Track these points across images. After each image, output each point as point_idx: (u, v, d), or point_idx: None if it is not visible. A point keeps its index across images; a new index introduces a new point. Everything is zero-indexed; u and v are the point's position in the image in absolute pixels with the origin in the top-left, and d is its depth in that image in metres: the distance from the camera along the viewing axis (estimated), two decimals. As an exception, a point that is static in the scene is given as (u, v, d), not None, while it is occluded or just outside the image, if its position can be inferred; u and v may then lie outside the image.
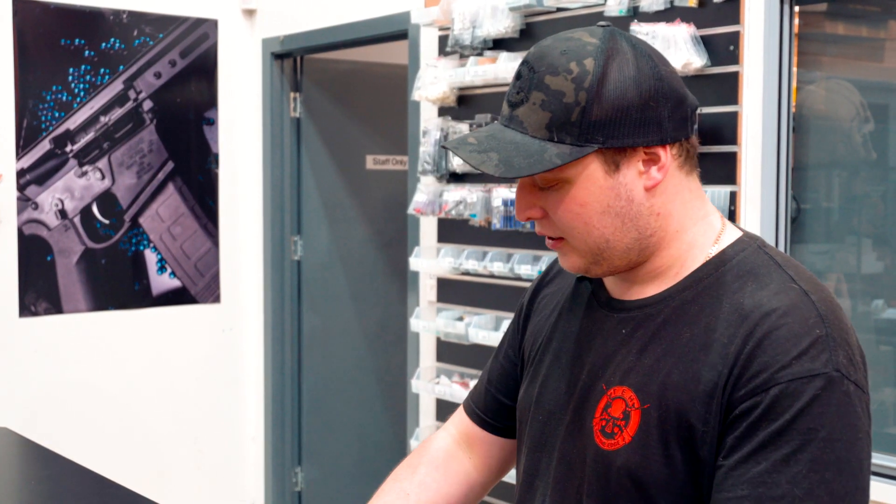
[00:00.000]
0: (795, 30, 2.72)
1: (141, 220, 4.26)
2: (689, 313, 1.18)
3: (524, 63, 1.20)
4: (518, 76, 1.20)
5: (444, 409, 3.62)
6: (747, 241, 1.23)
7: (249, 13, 4.52)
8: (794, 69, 2.73)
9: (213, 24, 4.42)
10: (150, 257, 4.28)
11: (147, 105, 4.25)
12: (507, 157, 1.15)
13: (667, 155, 1.18)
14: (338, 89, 4.66)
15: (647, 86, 1.16)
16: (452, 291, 3.57)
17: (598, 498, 1.20)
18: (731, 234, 1.24)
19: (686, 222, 1.23)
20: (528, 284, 3.24)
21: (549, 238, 1.25)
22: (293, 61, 4.51)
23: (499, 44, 3.32)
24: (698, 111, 1.23)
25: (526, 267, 3.15)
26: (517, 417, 1.40)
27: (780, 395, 1.08)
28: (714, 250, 1.22)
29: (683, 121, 1.19)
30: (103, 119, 4.15)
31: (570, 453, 1.26)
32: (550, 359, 1.33)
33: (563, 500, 1.26)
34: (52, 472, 2.19)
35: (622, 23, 2.92)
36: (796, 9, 2.71)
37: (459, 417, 1.52)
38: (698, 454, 1.13)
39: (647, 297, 1.24)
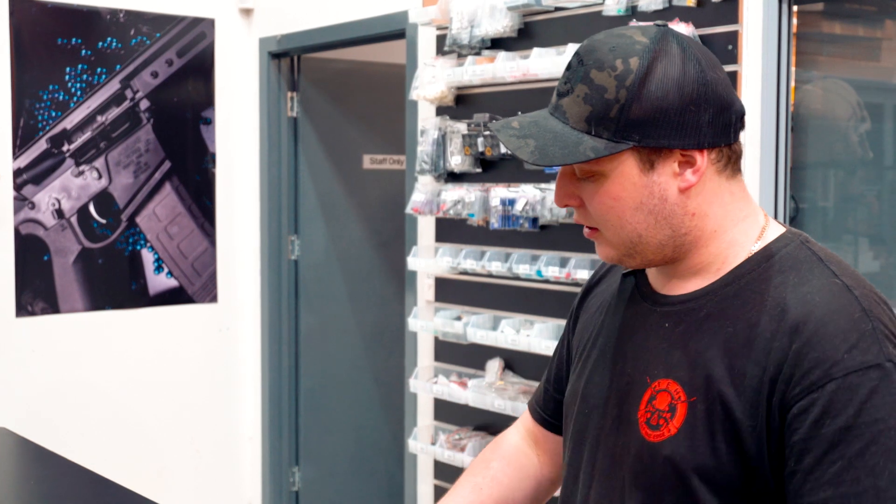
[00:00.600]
0: (794, 29, 2.72)
1: (138, 220, 4.25)
2: (731, 308, 1.20)
3: (575, 55, 1.23)
4: (568, 67, 1.23)
5: (443, 409, 3.61)
6: (791, 236, 1.24)
7: (246, 12, 4.52)
8: (793, 69, 2.73)
9: (210, 23, 4.42)
10: (147, 257, 4.28)
11: (144, 104, 4.25)
12: (544, 145, 1.18)
13: (703, 159, 1.19)
14: (335, 89, 4.66)
15: (690, 89, 1.17)
16: (450, 291, 3.57)
17: (643, 489, 1.22)
18: (774, 231, 1.26)
19: (725, 223, 1.24)
20: (526, 284, 3.25)
21: (586, 227, 1.28)
22: (290, 61, 4.50)
23: (497, 43, 3.32)
24: (744, 117, 1.24)
25: (524, 266, 3.15)
26: (563, 412, 1.43)
27: (837, 390, 1.09)
28: (756, 247, 1.23)
29: (726, 127, 1.20)
30: (100, 118, 4.15)
31: (614, 446, 1.28)
32: (596, 354, 1.36)
33: (607, 491, 1.28)
34: (51, 472, 2.18)
35: (621, 22, 2.92)
36: (794, 8, 2.71)
37: (525, 417, 1.58)
38: (744, 448, 1.15)
39: (690, 293, 1.25)
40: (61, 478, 2.15)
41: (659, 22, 1.26)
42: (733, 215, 1.24)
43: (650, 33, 1.21)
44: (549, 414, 1.52)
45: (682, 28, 2.74)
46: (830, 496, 1.09)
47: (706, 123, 1.18)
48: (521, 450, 1.54)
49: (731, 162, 1.24)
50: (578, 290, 3.08)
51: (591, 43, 1.23)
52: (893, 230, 2.77)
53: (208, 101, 4.41)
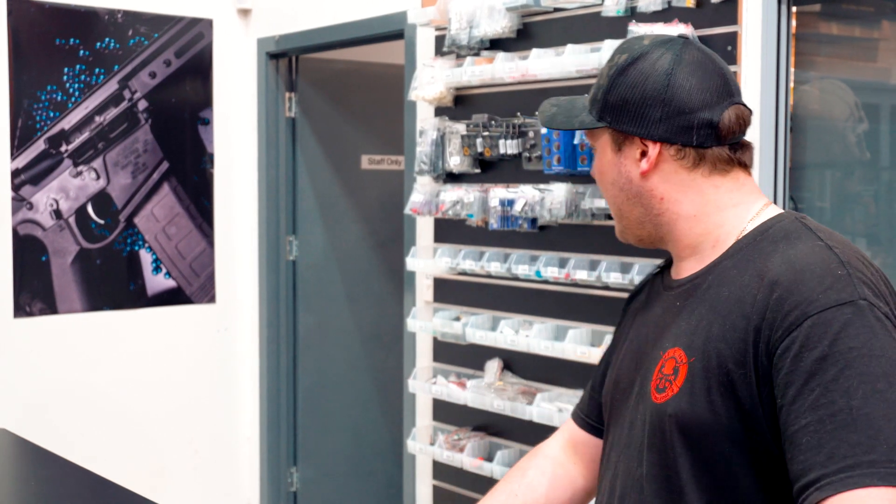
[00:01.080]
0: (793, 30, 2.72)
1: (136, 221, 4.25)
2: (729, 276, 1.32)
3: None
4: None
5: (441, 410, 3.62)
6: (786, 214, 1.36)
7: (244, 13, 4.52)
8: (792, 69, 2.74)
9: (208, 23, 4.42)
10: (146, 257, 4.28)
11: (142, 105, 4.25)
12: (556, 114, 1.44)
13: (656, 150, 1.36)
14: (333, 89, 4.66)
15: (651, 89, 1.35)
16: (448, 291, 3.57)
17: (655, 450, 1.32)
18: (770, 212, 1.38)
19: (707, 209, 1.37)
20: (525, 284, 3.25)
21: None
22: (288, 61, 4.50)
23: (496, 44, 3.32)
24: (721, 125, 1.35)
25: (524, 267, 3.16)
26: (602, 403, 1.53)
27: (813, 325, 1.17)
28: (751, 226, 1.35)
29: (685, 129, 1.35)
30: (98, 119, 4.14)
31: (634, 417, 1.39)
32: (626, 345, 1.49)
33: (629, 460, 1.38)
34: (52, 472, 2.18)
35: (620, 23, 2.92)
36: (794, 9, 2.72)
37: (567, 426, 1.65)
38: (739, 398, 1.23)
39: (696, 272, 1.38)
40: (63, 479, 2.15)
41: (682, 34, 1.43)
42: (718, 203, 1.37)
43: (659, 39, 1.39)
44: (593, 419, 1.60)
45: (682, 29, 2.74)
46: (809, 421, 1.15)
47: (658, 120, 1.35)
48: (558, 460, 1.62)
49: (707, 162, 1.37)
50: (577, 290, 3.09)
51: (622, 42, 1.45)
52: (890, 230, 2.78)
53: (206, 101, 4.41)
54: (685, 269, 1.40)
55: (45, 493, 2.09)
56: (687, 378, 1.28)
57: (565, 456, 1.61)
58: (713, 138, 1.35)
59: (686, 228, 1.38)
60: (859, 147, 2.88)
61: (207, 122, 4.42)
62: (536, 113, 1.48)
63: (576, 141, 2.90)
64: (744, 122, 1.37)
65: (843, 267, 1.22)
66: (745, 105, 1.38)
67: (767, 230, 1.32)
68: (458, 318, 3.44)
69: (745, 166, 1.39)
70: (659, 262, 2.79)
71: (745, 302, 1.25)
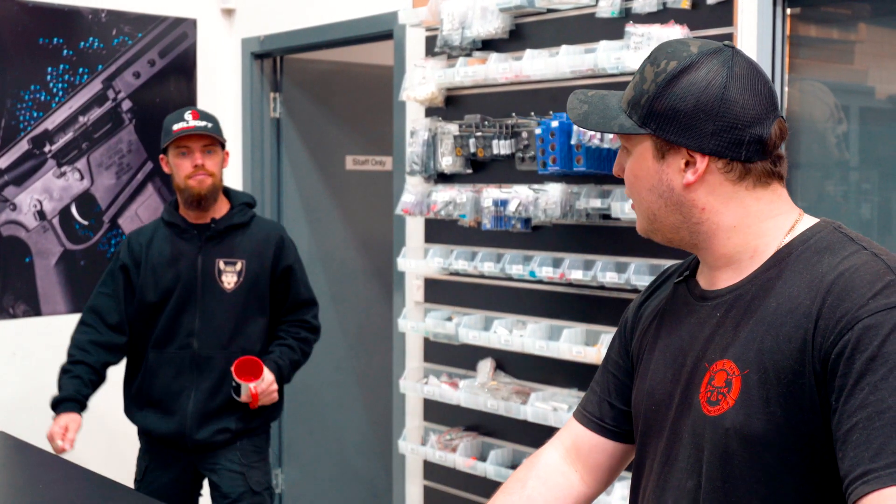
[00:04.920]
0: (787, 32, 2.75)
1: (120, 221, 4.22)
2: (774, 287, 1.32)
3: (655, 48, 1.42)
4: (647, 56, 1.42)
5: (432, 410, 3.62)
6: (824, 224, 1.37)
7: (228, 13, 4.50)
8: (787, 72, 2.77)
9: (191, 23, 4.39)
10: (130, 258, 4.24)
11: (126, 105, 4.21)
12: (590, 113, 1.40)
13: (704, 163, 1.34)
14: (318, 89, 4.65)
15: (705, 101, 1.33)
16: (439, 292, 3.58)
17: (710, 463, 1.32)
18: (808, 222, 1.38)
19: (747, 220, 1.37)
20: (518, 284, 3.26)
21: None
22: (273, 61, 4.49)
23: (488, 45, 3.33)
24: (769, 141, 1.36)
25: (517, 267, 3.16)
26: (633, 413, 1.52)
27: (865, 328, 1.20)
28: (790, 236, 1.36)
29: (735, 144, 1.34)
30: (82, 119, 4.11)
31: (680, 430, 1.38)
32: (656, 355, 1.47)
33: (680, 474, 1.37)
34: (57, 476, 2.16)
35: (615, 24, 2.94)
36: (788, 11, 2.75)
37: (569, 430, 1.63)
38: (799, 409, 1.24)
39: (736, 283, 1.37)
40: (66, 481, 2.13)
41: (727, 42, 1.39)
42: (759, 214, 1.37)
43: (707, 48, 1.36)
44: (607, 420, 1.59)
45: (677, 31, 2.76)
46: (859, 419, 1.17)
47: (710, 133, 1.33)
48: (559, 468, 1.60)
49: (752, 175, 1.36)
50: (572, 290, 3.10)
51: (663, 44, 1.41)
52: (880, 231, 2.81)
53: (190, 101, 4.38)
54: (721, 279, 1.40)
55: (52, 496, 2.07)
56: (742, 390, 1.28)
57: (565, 463, 1.60)
58: (760, 153, 1.35)
59: (724, 239, 1.37)
60: (839, 148, 2.92)
61: (192, 123, 4.38)
62: (568, 110, 1.42)
63: (573, 142, 2.92)
64: (785, 135, 1.38)
65: (892, 272, 1.24)
66: (783, 118, 1.40)
67: (808, 240, 1.34)
68: (449, 319, 3.44)
69: (783, 178, 1.41)
70: (653, 261, 2.82)
71: (798, 312, 1.26)
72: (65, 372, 3.14)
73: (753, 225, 1.36)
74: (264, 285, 3.17)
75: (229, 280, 3.12)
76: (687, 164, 1.35)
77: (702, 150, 1.33)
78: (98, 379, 3.19)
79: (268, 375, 3.08)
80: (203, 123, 3.10)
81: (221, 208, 3.18)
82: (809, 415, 1.24)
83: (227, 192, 3.24)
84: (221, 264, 3.13)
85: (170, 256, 3.14)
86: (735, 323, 1.33)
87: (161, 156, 3.19)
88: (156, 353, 3.15)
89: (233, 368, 3.05)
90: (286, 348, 3.20)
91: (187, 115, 3.11)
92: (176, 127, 3.09)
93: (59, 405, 3.08)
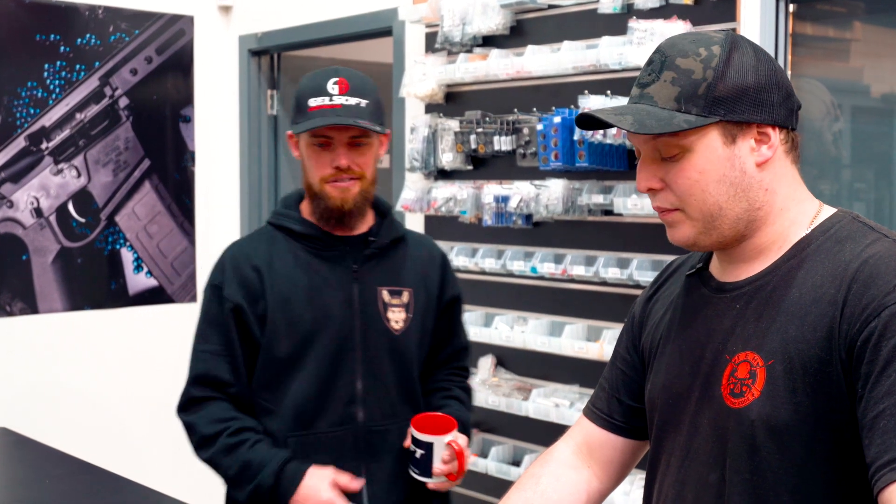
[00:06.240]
0: (790, 29, 2.76)
1: (117, 219, 4.20)
2: (796, 277, 1.31)
3: (656, 51, 1.37)
4: (650, 62, 1.36)
5: (432, 407, 3.61)
6: (842, 214, 1.37)
7: (225, 9, 4.48)
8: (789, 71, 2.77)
9: (189, 20, 4.38)
10: (127, 256, 4.23)
11: (123, 102, 4.20)
12: (641, 119, 1.31)
13: (776, 136, 1.33)
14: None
15: (764, 73, 1.32)
16: (440, 288, 3.57)
17: (736, 455, 1.30)
18: (828, 211, 1.38)
19: (789, 202, 1.36)
20: (520, 280, 3.26)
21: (662, 211, 1.38)
22: (270, 58, 4.48)
23: (488, 41, 3.32)
24: (800, 109, 1.38)
25: (519, 263, 3.16)
26: (647, 408, 1.50)
27: (891, 315, 1.19)
28: (813, 226, 1.35)
29: (790, 112, 1.35)
30: (79, 116, 4.09)
31: (701, 423, 1.36)
32: (671, 348, 1.44)
33: (699, 468, 1.35)
34: (64, 471, 2.15)
35: (617, 20, 2.94)
36: (791, 8, 2.75)
37: (580, 427, 1.62)
38: (826, 398, 1.23)
39: (755, 274, 1.36)
40: (73, 476, 2.13)
41: (728, 30, 1.41)
42: (795, 196, 1.37)
43: (722, 33, 1.36)
44: (616, 417, 1.58)
45: (680, 26, 2.77)
46: (886, 406, 1.16)
47: (778, 104, 1.33)
48: (572, 464, 1.59)
49: (794, 148, 1.37)
50: (574, 286, 3.10)
51: (670, 40, 1.38)
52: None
53: (188, 98, 4.37)
54: (741, 271, 1.38)
55: (60, 490, 2.06)
56: (767, 381, 1.27)
57: (578, 459, 1.59)
58: (797, 122, 1.36)
59: (770, 226, 1.35)
60: (836, 146, 2.92)
61: (189, 120, 4.38)
62: (613, 123, 1.32)
63: (576, 137, 2.92)
64: None
65: None
66: None
67: (828, 230, 1.33)
68: (450, 315, 3.43)
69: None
70: (655, 256, 2.82)
71: (823, 301, 1.26)
72: (227, 450, 2.13)
73: (791, 209, 1.36)
74: (430, 322, 2.27)
75: (397, 318, 2.19)
76: (756, 141, 1.33)
77: (774, 122, 1.32)
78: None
79: (461, 435, 2.16)
80: (355, 101, 2.12)
81: (367, 217, 2.26)
82: (837, 403, 1.23)
83: None
84: (385, 295, 2.20)
85: (308, 286, 2.15)
86: (757, 314, 1.32)
87: (289, 131, 2.24)
88: (299, 437, 2.13)
89: (412, 425, 2.14)
90: (457, 402, 2.28)
91: (331, 86, 2.13)
92: (314, 103, 2.12)
93: (281, 473, 2.08)
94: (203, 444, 2.13)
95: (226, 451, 2.08)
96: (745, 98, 1.31)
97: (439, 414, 2.14)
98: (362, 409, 2.11)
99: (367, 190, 2.17)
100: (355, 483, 2.07)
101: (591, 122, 1.37)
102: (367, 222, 2.23)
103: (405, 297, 2.21)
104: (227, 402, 2.13)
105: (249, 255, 2.17)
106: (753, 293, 1.34)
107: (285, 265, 2.15)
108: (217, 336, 2.15)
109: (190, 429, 2.17)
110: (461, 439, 2.11)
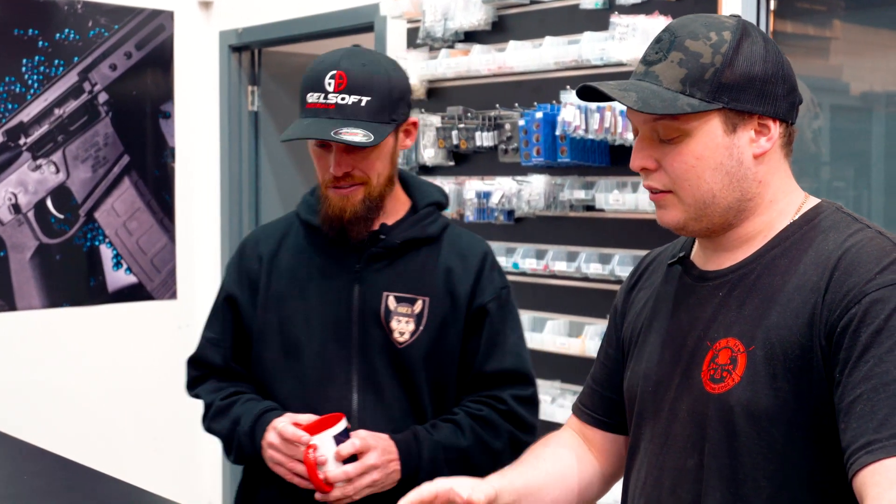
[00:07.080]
0: (771, 27, 2.76)
1: (96, 215, 4.18)
2: (780, 265, 1.31)
3: (666, 30, 1.35)
4: (658, 40, 1.35)
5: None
6: (826, 205, 1.38)
7: (206, 5, 4.46)
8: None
9: (168, 15, 4.36)
10: (106, 253, 4.20)
11: (102, 97, 4.17)
12: (645, 97, 1.30)
13: (776, 129, 1.33)
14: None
15: (771, 64, 1.31)
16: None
17: (714, 441, 1.30)
18: (812, 202, 1.39)
19: (779, 194, 1.37)
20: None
21: (654, 192, 1.37)
22: (251, 54, 4.46)
23: (470, 36, 3.32)
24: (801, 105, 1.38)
25: (500, 259, 3.15)
26: (626, 399, 1.49)
27: (871, 302, 1.20)
28: (798, 216, 1.36)
29: (792, 106, 1.35)
30: (58, 111, 4.06)
31: (680, 410, 1.36)
32: (653, 337, 1.44)
33: (676, 455, 1.35)
34: (41, 467, 2.14)
35: (600, 15, 2.94)
36: (772, 5, 2.76)
37: (572, 423, 1.62)
38: (806, 383, 1.24)
39: (738, 262, 1.36)
40: (51, 472, 2.11)
41: (735, 14, 1.38)
42: (785, 188, 1.37)
43: (734, 19, 1.34)
44: (601, 413, 1.57)
45: (662, 22, 2.77)
46: (863, 391, 1.17)
47: (782, 96, 1.32)
48: (578, 442, 1.59)
49: (790, 142, 1.37)
50: (556, 281, 3.10)
51: (681, 20, 1.36)
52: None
53: (167, 94, 4.35)
54: (725, 259, 1.38)
55: (36, 486, 2.04)
56: (748, 367, 1.27)
57: (581, 445, 1.59)
58: (796, 117, 1.36)
59: (758, 216, 1.35)
60: (816, 143, 2.94)
61: (168, 116, 4.35)
62: (617, 98, 1.29)
63: (557, 132, 2.92)
64: None
65: None
66: None
67: (812, 220, 1.34)
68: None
69: None
70: (637, 252, 2.82)
71: (806, 288, 1.26)
72: (221, 412, 1.99)
73: (780, 201, 1.35)
74: (454, 339, 1.93)
75: (402, 329, 1.91)
76: (756, 132, 1.32)
77: (776, 114, 1.31)
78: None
79: (358, 435, 1.82)
80: (354, 100, 1.87)
81: (396, 209, 1.97)
82: (817, 389, 1.23)
83: (407, 183, 2.03)
84: (391, 301, 1.92)
85: (304, 279, 1.95)
86: (739, 302, 1.32)
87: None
88: None
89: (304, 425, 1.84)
90: (450, 425, 1.91)
91: (328, 82, 1.91)
92: (310, 100, 1.97)
93: (257, 421, 1.91)
94: (204, 414, 2.03)
95: (219, 414, 1.96)
96: (751, 88, 1.30)
97: (338, 414, 1.83)
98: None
99: (374, 195, 1.90)
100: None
101: (592, 94, 1.35)
102: (392, 214, 1.96)
103: (417, 306, 1.91)
104: (215, 380, 2.04)
105: (259, 243, 2.03)
106: (737, 281, 1.34)
107: (290, 258, 1.98)
108: (216, 324, 2.04)
109: (201, 402, 2.06)
110: (339, 445, 1.79)
